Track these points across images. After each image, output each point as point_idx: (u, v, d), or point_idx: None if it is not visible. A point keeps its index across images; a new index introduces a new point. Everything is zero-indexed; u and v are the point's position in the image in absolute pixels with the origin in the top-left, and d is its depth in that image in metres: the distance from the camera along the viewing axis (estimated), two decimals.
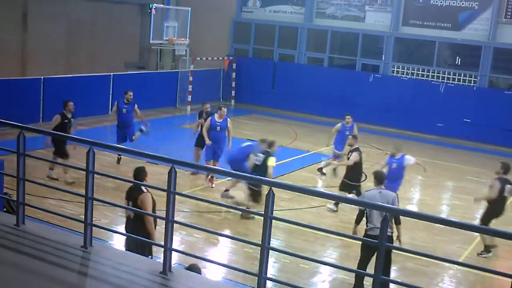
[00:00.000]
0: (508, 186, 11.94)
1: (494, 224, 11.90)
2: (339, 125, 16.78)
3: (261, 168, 12.76)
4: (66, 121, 14.04)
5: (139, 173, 8.54)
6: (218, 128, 14.71)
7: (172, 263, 6.24)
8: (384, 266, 9.04)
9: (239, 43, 29.44)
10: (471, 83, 25.27)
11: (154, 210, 8.49)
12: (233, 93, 28.54)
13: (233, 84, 28.48)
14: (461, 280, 11.12)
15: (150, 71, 27.29)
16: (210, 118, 14.86)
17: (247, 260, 10.65)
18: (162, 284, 6.11)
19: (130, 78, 23.78)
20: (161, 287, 6.11)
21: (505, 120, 23.93)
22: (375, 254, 7.92)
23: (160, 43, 26.78)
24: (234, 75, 28.37)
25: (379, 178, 9.89)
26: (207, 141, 14.77)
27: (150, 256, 8.53)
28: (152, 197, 8.51)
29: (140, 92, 16.91)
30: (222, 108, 14.95)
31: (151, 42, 26.22)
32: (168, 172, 5.95)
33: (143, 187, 8.45)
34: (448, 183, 17.73)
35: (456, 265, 11.24)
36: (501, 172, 12.14)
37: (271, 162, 12.80)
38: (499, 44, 24.75)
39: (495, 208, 12.04)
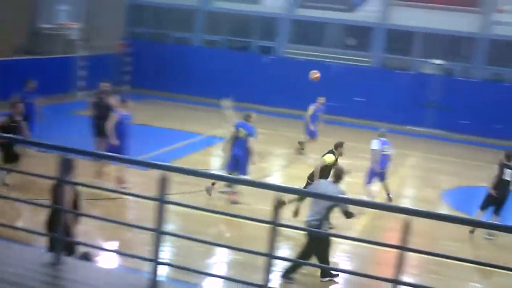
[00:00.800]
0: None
1: None
2: (312, 107, 18.17)
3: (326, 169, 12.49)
4: (14, 124, 13.13)
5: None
6: (127, 121, 13.91)
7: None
8: (320, 255, 9.54)
9: (135, 26, 28.94)
10: (364, 63, 26.02)
11: (76, 203, 7.96)
12: (128, 77, 28.03)
13: (128, 68, 27.96)
14: (353, 255, 11.46)
15: (40, 56, 26.30)
16: (116, 112, 13.91)
17: (142, 246, 10.51)
18: (52, 275, 5.94)
19: (19, 64, 22.84)
20: (51, 278, 5.93)
21: (396, 99, 24.84)
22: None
23: (52, 27, 25.85)
24: (129, 59, 27.85)
25: (335, 175, 10.11)
26: (114, 141, 13.71)
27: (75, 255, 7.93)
28: (76, 191, 8.03)
29: (30, 78, 16.28)
30: (129, 101, 14.30)
31: (42, 26, 25.27)
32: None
33: None
34: (341, 161, 18.13)
35: (346, 240, 11.47)
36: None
37: (327, 158, 12.53)
38: (391, 25, 25.59)
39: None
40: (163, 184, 5.67)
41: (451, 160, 20.85)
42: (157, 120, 21.61)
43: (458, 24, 25.67)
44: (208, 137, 19.72)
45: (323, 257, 9.58)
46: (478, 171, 18.99)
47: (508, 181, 12.89)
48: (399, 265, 5.32)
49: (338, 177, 10.06)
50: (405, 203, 15.11)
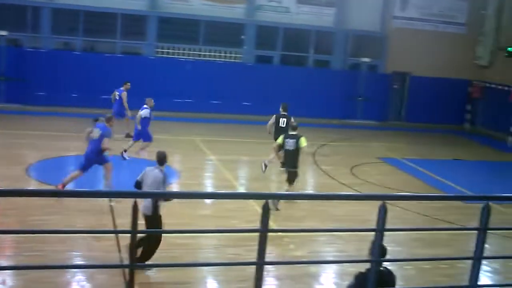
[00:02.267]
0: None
1: None
2: (125, 93, 20.04)
3: (295, 152, 13.96)
4: None
5: None
6: None
7: None
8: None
9: None
10: None
11: None
12: None
13: None
14: None
15: None
16: None
17: None
18: None
19: None
20: None
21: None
22: None
23: None
24: None
25: (158, 160, 10.38)
26: None
27: None
28: None
29: None
30: None
31: None
32: None
33: None
34: None
35: None
36: None
37: (304, 142, 14.02)
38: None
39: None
40: None
41: (30, 133, 20.35)
42: None
43: None
44: None
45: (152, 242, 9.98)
46: (61, 141, 19.00)
47: (283, 127, 16.10)
48: None
49: (161, 161, 10.36)
50: None
